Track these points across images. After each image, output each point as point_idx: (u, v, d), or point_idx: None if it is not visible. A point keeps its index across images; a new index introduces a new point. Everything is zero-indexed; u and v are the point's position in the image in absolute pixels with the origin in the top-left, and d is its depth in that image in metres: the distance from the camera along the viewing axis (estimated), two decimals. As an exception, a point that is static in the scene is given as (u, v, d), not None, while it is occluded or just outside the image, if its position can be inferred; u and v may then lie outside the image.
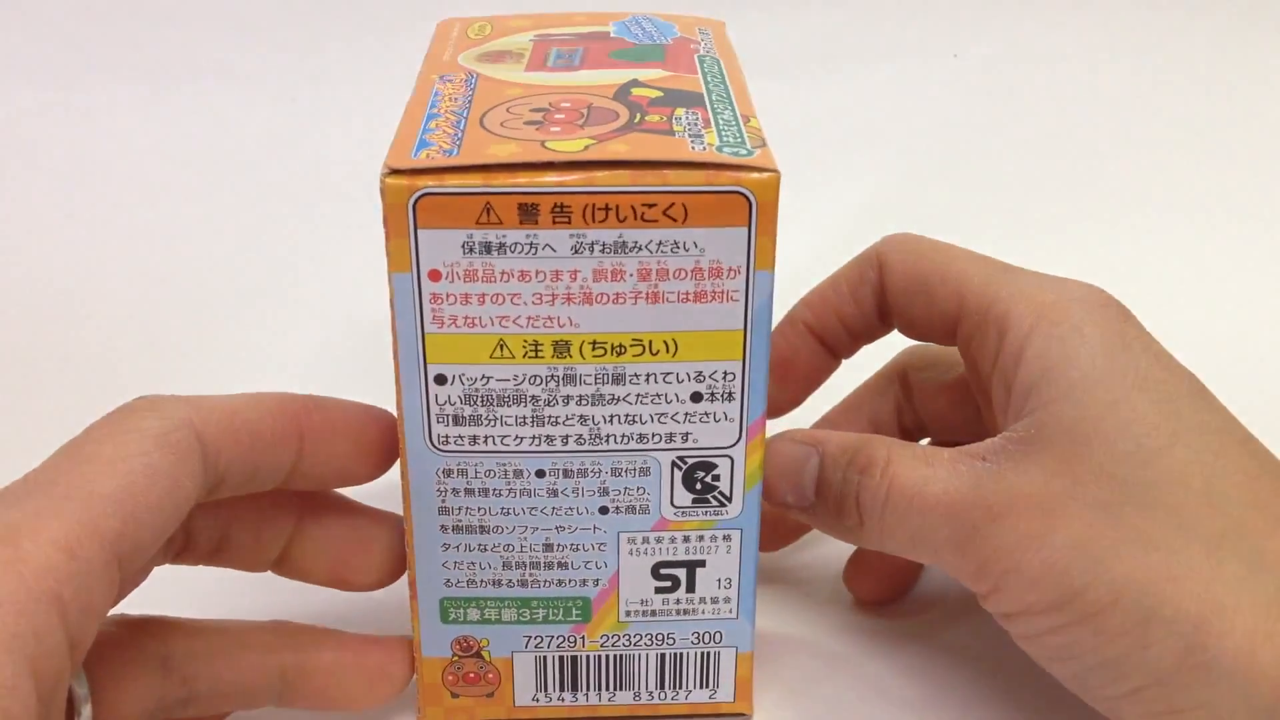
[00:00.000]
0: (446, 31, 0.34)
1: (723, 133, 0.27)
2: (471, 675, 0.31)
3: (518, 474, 0.29)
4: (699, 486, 0.29)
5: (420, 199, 0.25)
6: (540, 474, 0.29)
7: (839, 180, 0.60)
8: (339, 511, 0.31)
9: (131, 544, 0.24)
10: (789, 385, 0.36)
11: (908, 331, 0.35)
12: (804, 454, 0.32)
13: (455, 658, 0.31)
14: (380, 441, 0.30)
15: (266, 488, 0.29)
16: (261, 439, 0.28)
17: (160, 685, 0.28)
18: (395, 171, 0.25)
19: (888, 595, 0.38)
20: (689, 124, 0.27)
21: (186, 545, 0.29)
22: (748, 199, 0.26)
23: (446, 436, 0.28)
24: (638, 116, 0.28)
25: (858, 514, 0.31)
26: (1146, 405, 0.29)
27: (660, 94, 0.29)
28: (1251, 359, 0.49)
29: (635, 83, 0.30)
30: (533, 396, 0.28)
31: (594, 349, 0.27)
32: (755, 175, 0.26)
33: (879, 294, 0.34)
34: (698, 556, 0.30)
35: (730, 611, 0.31)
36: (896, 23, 0.80)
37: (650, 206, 0.26)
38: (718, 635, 0.31)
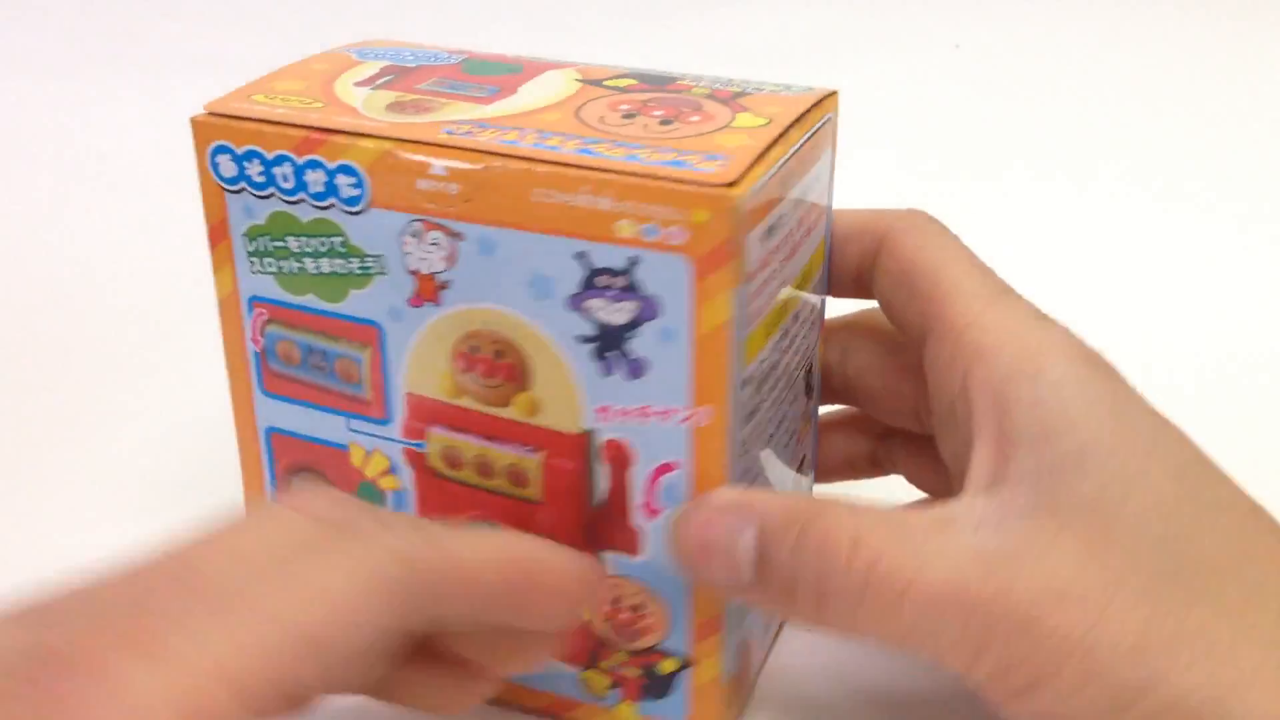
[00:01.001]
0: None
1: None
2: None
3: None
4: None
5: None
6: None
7: (839, 175, 0.61)
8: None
9: (307, 690, 0.22)
10: None
11: (885, 311, 0.33)
12: (735, 523, 0.27)
13: None
14: (587, 596, 0.28)
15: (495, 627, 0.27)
16: (486, 596, 0.25)
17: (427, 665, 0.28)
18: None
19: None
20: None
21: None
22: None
23: None
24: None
25: (818, 604, 0.26)
26: (1163, 480, 0.26)
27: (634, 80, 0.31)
28: (1251, 346, 0.47)
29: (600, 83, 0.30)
30: None
31: None
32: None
33: (868, 260, 0.32)
34: None
35: None
36: (898, 14, 0.80)
37: None
38: None
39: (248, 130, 0.29)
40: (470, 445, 0.30)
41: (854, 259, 0.32)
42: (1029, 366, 0.27)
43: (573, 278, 0.27)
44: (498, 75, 0.32)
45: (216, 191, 0.30)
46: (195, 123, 0.30)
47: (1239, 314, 0.50)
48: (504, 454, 0.30)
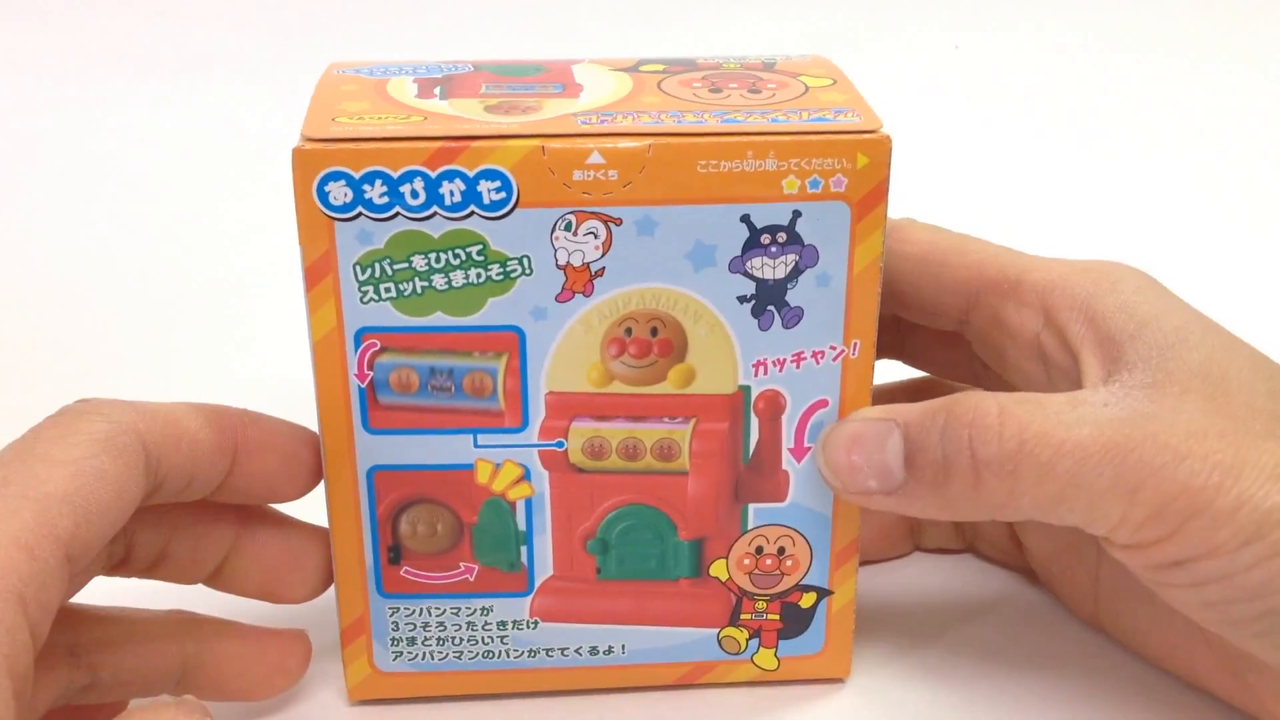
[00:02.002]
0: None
1: None
2: None
3: None
4: None
5: None
6: None
7: None
8: (273, 526, 0.32)
9: (82, 544, 0.25)
10: None
11: (906, 306, 0.34)
12: (880, 429, 0.29)
13: None
14: (309, 461, 0.31)
15: (198, 496, 0.30)
16: (200, 448, 0.29)
17: (68, 673, 0.29)
18: None
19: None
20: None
21: (126, 557, 0.30)
22: None
23: None
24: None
25: (975, 475, 0.28)
26: (1250, 352, 0.30)
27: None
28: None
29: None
30: None
31: None
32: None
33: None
34: None
35: None
36: (897, 15, 0.79)
37: None
38: None
39: (368, 151, 0.28)
40: (617, 431, 0.31)
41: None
42: (1104, 283, 0.31)
43: (736, 241, 0.29)
44: (537, 75, 0.32)
45: (323, 224, 0.28)
46: (300, 153, 0.28)
47: (1239, 317, 0.53)
48: (653, 431, 0.31)
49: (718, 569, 0.33)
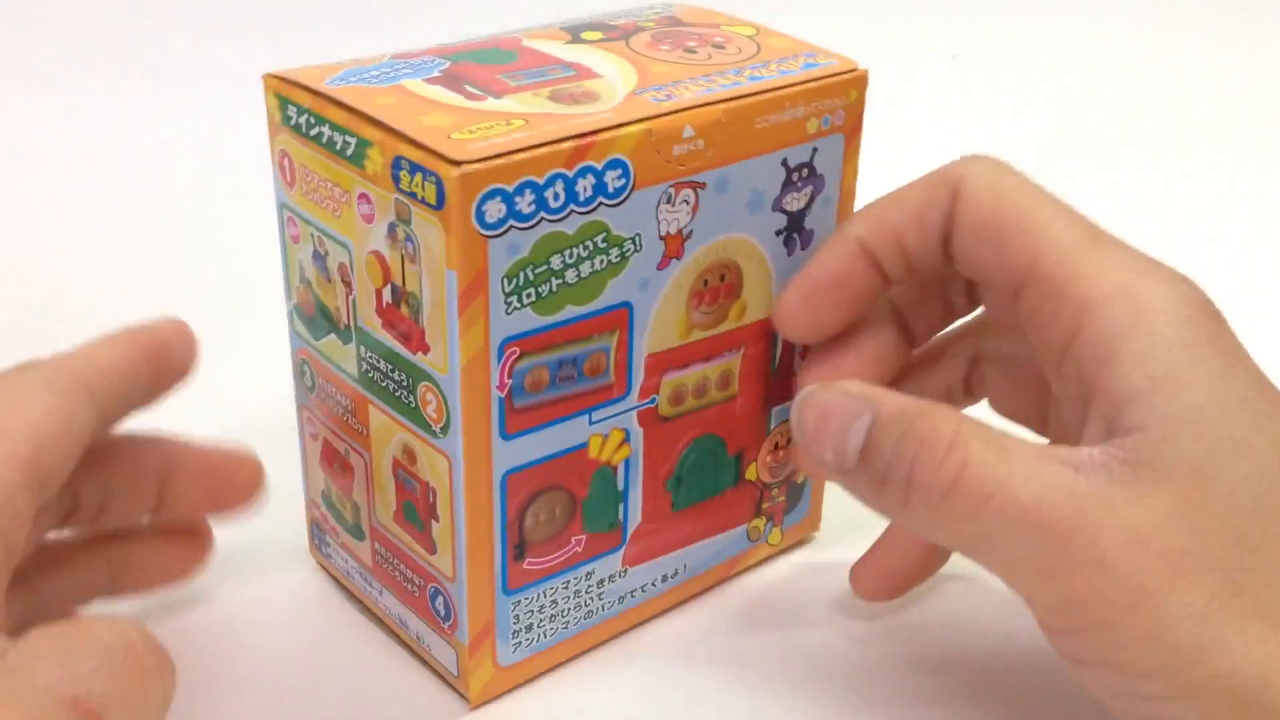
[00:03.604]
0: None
1: None
2: None
3: None
4: None
5: None
6: None
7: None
8: (196, 450, 0.34)
9: (43, 468, 0.28)
10: (836, 307, 0.33)
11: (967, 270, 0.31)
12: (855, 409, 0.29)
13: None
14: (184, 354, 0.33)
15: (138, 407, 0.32)
16: (126, 371, 0.31)
17: (23, 600, 0.32)
18: None
19: (893, 594, 0.37)
20: None
21: (75, 507, 0.32)
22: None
23: None
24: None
25: (905, 494, 0.27)
26: (1266, 449, 0.26)
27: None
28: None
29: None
30: None
31: None
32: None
33: (947, 222, 0.31)
34: None
35: None
36: (896, 24, 0.79)
37: None
38: None
39: (519, 163, 0.28)
40: (693, 375, 0.34)
41: (937, 227, 0.31)
42: (1139, 322, 0.27)
43: (777, 183, 0.33)
44: (514, 63, 0.33)
45: (478, 245, 0.28)
46: (464, 177, 0.27)
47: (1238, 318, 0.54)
48: (716, 366, 0.34)
49: (750, 472, 0.37)
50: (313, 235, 0.32)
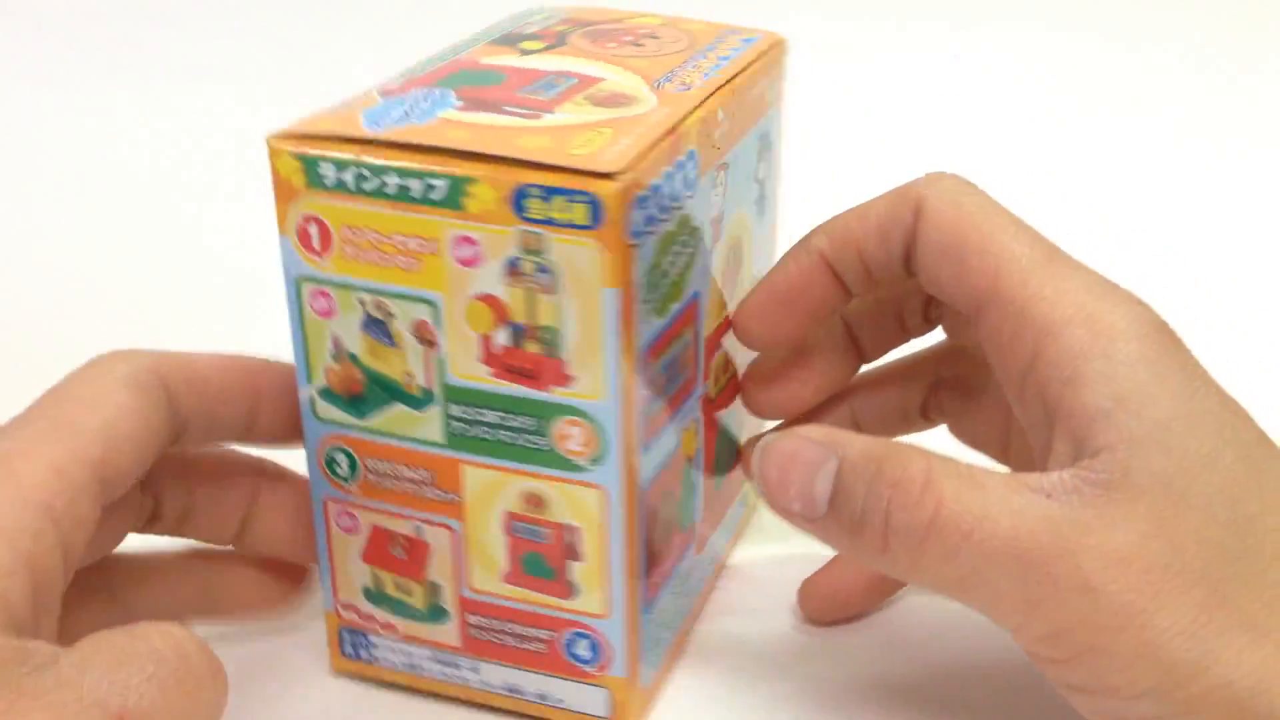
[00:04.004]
0: None
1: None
2: None
3: None
4: None
5: None
6: None
7: (838, 179, 0.50)
8: (292, 483, 0.34)
9: (113, 470, 0.27)
10: (794, 317, 0.32)
11: (930, 287, 0.30)
12: (819, 456, 0.28)
13: None
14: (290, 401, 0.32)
15: (226, 439, 0.32)
16: (220, 391, 0.31)
17: (107, 612, 0.32)
18: None
19: (841, 618, 0.36)
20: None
21: (156, 513, 0.32)
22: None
23: None
24: None
25: (884, 538, 0.27)
26: (1235, 461, 0.26)
27: None
28: (1252, 353, 0.45)
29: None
30: None
31: None
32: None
33: (909, 239, 0.30)
34: None
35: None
36: (896, 24, 0.77)
37: None
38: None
39: (645, 168, 0.27)
40: (720, 354, 0.34)
41: (899, 243, 0.31)
42: (1100, 343, 0.27)
43: (754, 154, 0.35)
44: (519, 77, 0.31)
45: (628, 256, 0.27)
46: (624, 190, 0.26)
47: (1238, 322, 0.50)
48: (727, 337, 0.35)
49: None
50: (361, 302, 0.29)
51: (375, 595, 0.33)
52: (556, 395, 0.29)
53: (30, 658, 0.23)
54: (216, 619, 0.34)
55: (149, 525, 0.32)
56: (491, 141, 0.27)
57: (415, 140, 0.28)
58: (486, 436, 0.30)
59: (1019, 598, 0.26)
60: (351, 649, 0.34)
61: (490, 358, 0.29)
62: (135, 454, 0.28)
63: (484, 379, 0.29)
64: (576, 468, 0.29)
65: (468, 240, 0.28)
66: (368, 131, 0.28)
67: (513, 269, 0.28)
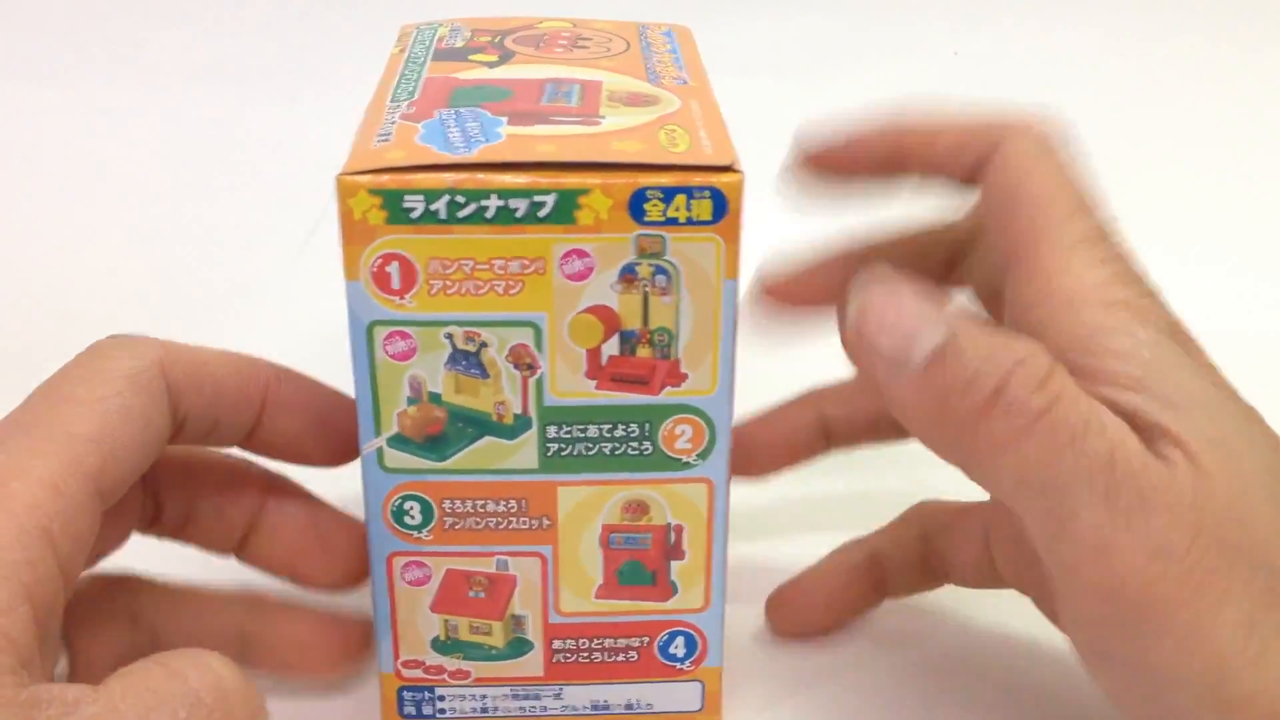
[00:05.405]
0: None
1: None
2: None
3: None
4: None
5: None
6: None
7: None
8: (300, 501, 0.32)
9: (110, 480, 0.26)
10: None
11: (982, 221, 0.31)
12: (931, 315, 0.26)
13: None
14: (342, 427, 0.30)
15: (225, 443, 0.31)
16: (224, 393, 0.29)
17: (129, 636, 0.30)
18: None
19: (810, 633, 0.36)
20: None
21: (156, 516, 0.31)
22: None
23: None
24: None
25: (989, 404, 0.25)
26: (1263, 440, 0.26)
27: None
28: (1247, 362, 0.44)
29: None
30: None
31: None
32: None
33: (980, 166, 0.30)
34: None
35: None
36: (896, 20, 0.75)
37: None
38: None
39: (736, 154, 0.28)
40: None
41: (969, 166, 0.30)
42: (1118, 320, 0.26)
43: None
44: (531, 89, 0.30)
45: (739, 243, 0.27)
46: (738, 183, 0.26)
47: (1237, 323, 0.47)
48: None
49: None
50: (449, 337, 0.27)
51: (446, 644, 0.31)
52: (665, 398, 0.28)
53: (46, 705, 0.21)
54: (254, 671, 0.30)
55: (150, 527, 0.31)
56: (590, 150, 0.27)
57: (516, 158, 0.26)
58: (586, 453, 0.29)
59: (1091, 535, 0.24)
60: (413, 708, 0.32)
61: (596, 370, 0.28)
62: (134, 461, 0.27)
63: (588, 394, 0.28)
64: (684, 465, 0.29)
65: (579, 253, 0.27)
66: (451, 157, 0.26)
67: (627, 276, 0.27)
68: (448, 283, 0.27)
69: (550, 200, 0.26)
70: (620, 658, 0.31)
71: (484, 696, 0.32)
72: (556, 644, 0.31)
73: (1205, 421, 0.25)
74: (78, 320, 0.50)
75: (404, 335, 0.28)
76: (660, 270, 0.27)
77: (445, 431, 0.29)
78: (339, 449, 0.31)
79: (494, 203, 0.26)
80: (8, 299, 0.54)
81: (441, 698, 0.32)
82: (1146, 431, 0.25)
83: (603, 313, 0.28)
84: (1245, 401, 0.27)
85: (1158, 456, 0.25)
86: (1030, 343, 0.26)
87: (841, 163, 0.31)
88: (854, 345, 0.27)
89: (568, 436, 0.29)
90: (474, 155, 0.26)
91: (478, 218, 0.26)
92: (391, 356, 0.28)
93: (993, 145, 0.29)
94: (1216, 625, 0.23)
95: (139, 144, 0.68)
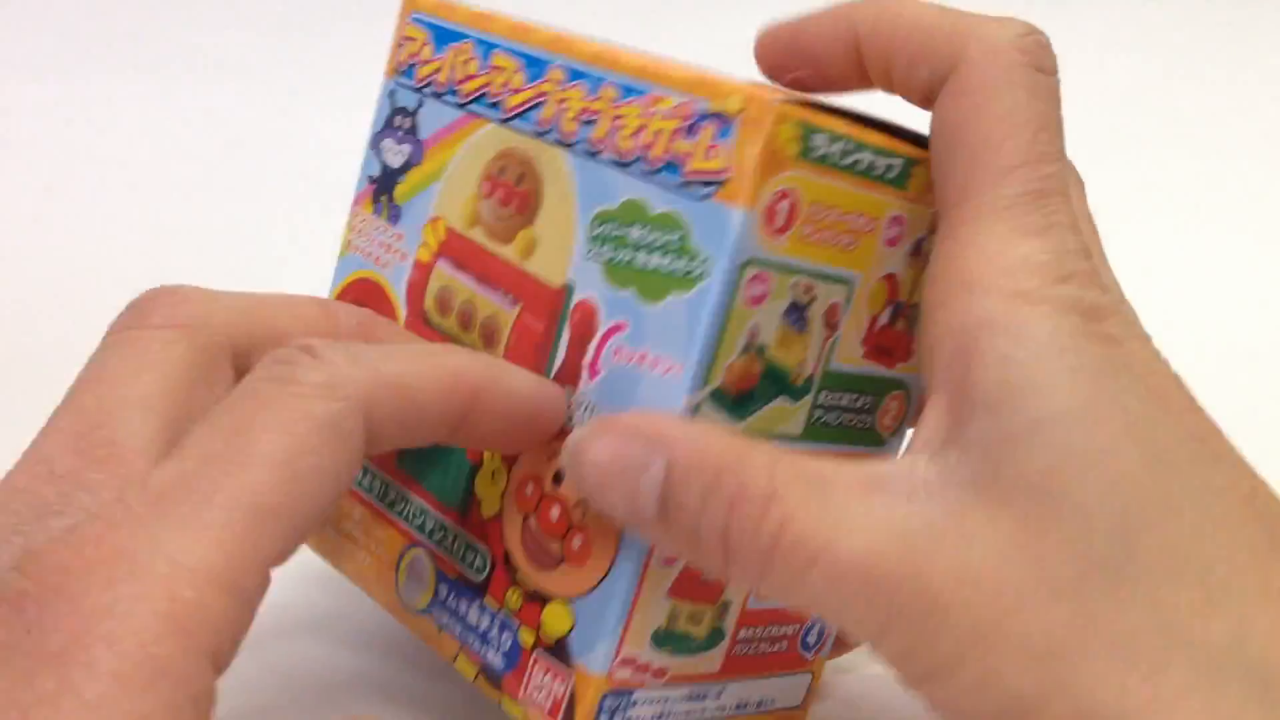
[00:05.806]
0: None
1: None
2: None
3: None
4: None
5: None
6: None
7: None
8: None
9: (283, 556, 0.24)
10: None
11: (932, 151, 0.27)
12: (639, 458, 0.24)
13: None
14: (544, 422, 0.28)
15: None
16: (426, 420, 0.26)
17: None
18: None
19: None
20: None
21: None
22: None
23: None
24: None
25: (723, 554, 0.24)
26: (1136, 460, 0.23)
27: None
28: (1244, 358, 0.47)
29: None
30: None
31: None
32: None
33: (935, 85, 0.26)
34: None
35: None
36: None
37: None
38: None
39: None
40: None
41: (923, 87, 0.26)
42: (1012, 315, 0.24)
43: None
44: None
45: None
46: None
47: (1235, 323, 0.50)
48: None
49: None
50: (793, 286, 0.27)
51: (664, 636, 0.28)
52: (896, 371, 0.30)
53: None
54: None
55: None
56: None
57: (874, 120, 0.28)
58: (833, 421, 0.29)
59: (870, 620, 0.23)
60: (606, 717, 0.28)
61: (868, 339, 0.29)
62: (310, 529, 0.24)
63: (855, 361, 0.29)
64: (880, 442, 0.31)
65: (898, 220, 0.29)
66: (849, 108, 0.27)
67: (917, 248, 0.29)
68: (814, 229, 0.27)
69: (898, 165, 0.28)
70: (776, 648, 0.31)
71: (665, 700, 0.29)
72: (742, 633, 0.30)
73: (1038, 453, 0.23)
74: (77, 319, 0.45)
75: (764, 279, 0.27)
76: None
77: (754, 388, 0.27)
78: (540, 439, 0.29)
79: (867, 157, 0.27)
80: (8, 297, 0.53)
81: (634, 703, 0.28)
82: (970, 473, 0.24)
83: (892, 281, 0.29)
84: (1144, 403, 0.24)
85: (962, 498, 0.23)
86: (742, 464, 0.24)
87: (796, 66, 0.29)
88: (591, 504, 0.26)
89: (830, 403, 0.29)
90: (858, 112, 0.27)
91: (855, 169, 0.27)
92: (747, 301, 0.26)
93: (950, 64, 0.26)
94: (1006, 668, 0.23)
95: (142, 137, 0.68)
